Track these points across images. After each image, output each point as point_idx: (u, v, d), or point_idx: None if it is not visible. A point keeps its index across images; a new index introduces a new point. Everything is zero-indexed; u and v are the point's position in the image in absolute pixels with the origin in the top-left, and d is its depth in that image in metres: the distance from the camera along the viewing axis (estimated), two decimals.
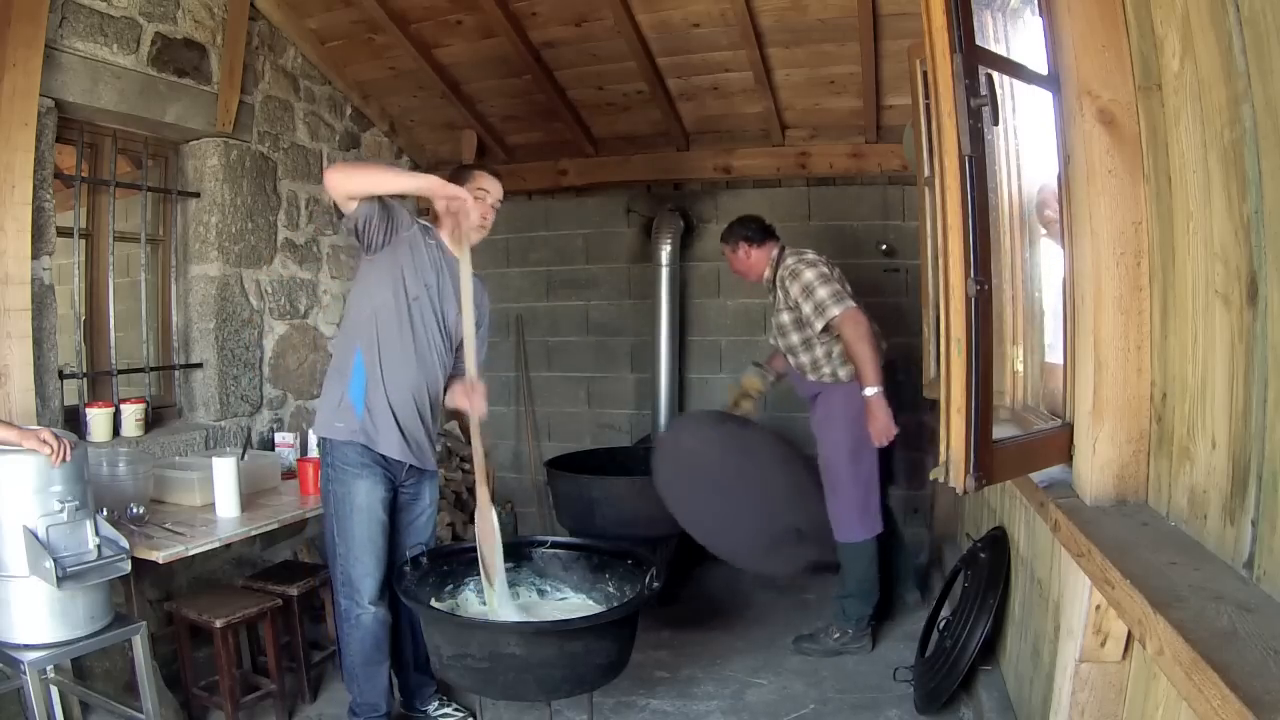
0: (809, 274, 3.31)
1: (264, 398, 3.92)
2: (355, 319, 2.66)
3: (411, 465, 2.70)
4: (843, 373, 3.38)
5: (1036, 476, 2.01)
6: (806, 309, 3.30)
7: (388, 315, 2.58)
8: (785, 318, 3.43)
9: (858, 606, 3.46)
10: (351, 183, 2.43)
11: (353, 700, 2.74)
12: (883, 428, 3.22)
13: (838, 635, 3.48)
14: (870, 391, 3.19)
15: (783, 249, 3.52)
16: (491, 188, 2.71)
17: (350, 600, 2.64)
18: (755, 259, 3.52)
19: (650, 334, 4.68)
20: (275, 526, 2.94)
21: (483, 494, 2.57)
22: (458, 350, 2.74)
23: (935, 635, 3.02)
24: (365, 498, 2.59)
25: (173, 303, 3.70)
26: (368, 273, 2.64)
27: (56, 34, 2.92)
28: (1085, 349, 1.80)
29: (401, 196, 2.73)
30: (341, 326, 2.85)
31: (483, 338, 2.81)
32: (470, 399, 2.62)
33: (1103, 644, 1.67)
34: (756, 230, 3.53)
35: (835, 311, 3.24)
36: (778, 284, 3.43)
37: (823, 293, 3.27)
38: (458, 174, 2.70)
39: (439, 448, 4.47)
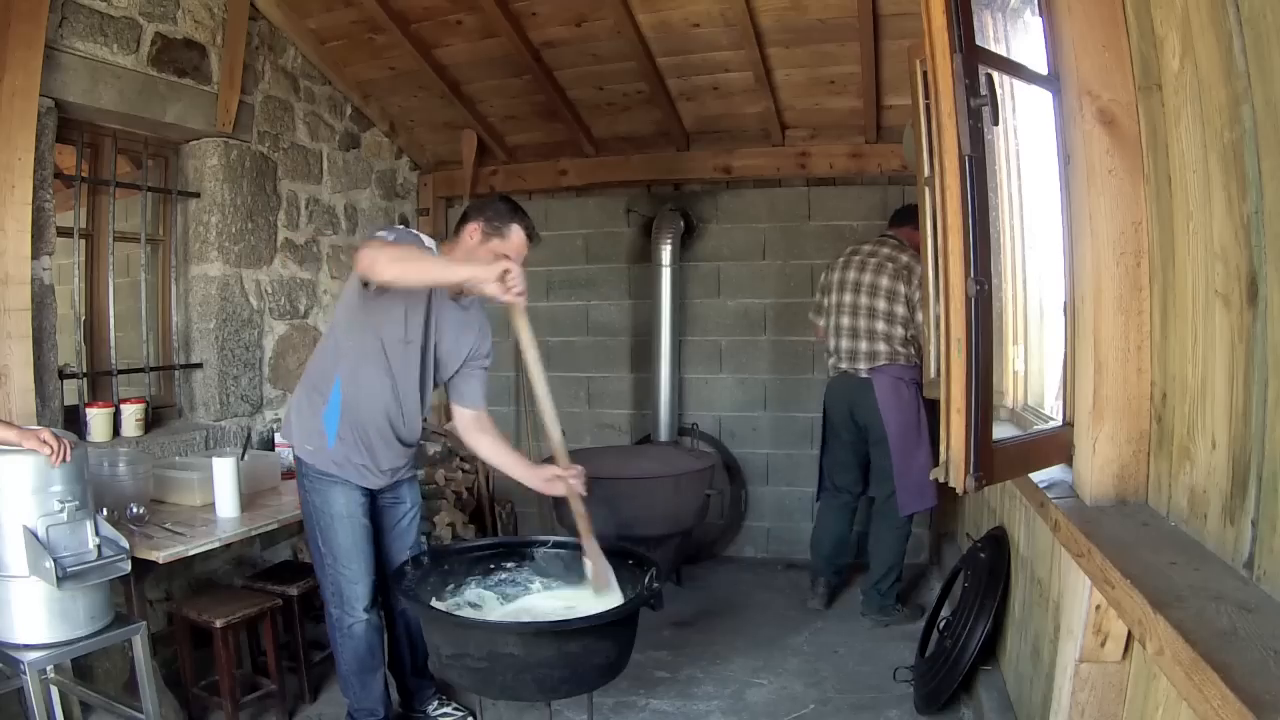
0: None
1: (264, 398, 3.92)
2: (342, 344, 2.56)
3: None
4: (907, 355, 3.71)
5: (1036, 476, 2.01)
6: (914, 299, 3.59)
7: (370, 359, 2.51)
8: (900, 309, 3.66)
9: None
10: (406, 278, 2.28)
11: (350, 705, 2.73)
12: None
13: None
14: None
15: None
16: (516, 254, 2.49)
17: (341, 610, 2.60)
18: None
19: (650, 334, 4.68)
20: (275, 526, 2.95)
21: (590, 544, 2.54)
22: (463, 365, 2.72)
23: (935, 635, 3.02)
24: (344, 505, 2.56)
25: (173, 303, 3.70)
26: (359, 305, 2.51)
27: (56, 34, 2.92)
28: (1085, 349, 1.80)
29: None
30: (328, 337, 2.70)
31: (484, 369, 2.78)
32: (557, 485, 2.58)
33: (1103, 644, 1.67)
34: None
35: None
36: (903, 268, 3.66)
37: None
38: (493, 212, 2.52)
39: (440, 447, 4.48)
